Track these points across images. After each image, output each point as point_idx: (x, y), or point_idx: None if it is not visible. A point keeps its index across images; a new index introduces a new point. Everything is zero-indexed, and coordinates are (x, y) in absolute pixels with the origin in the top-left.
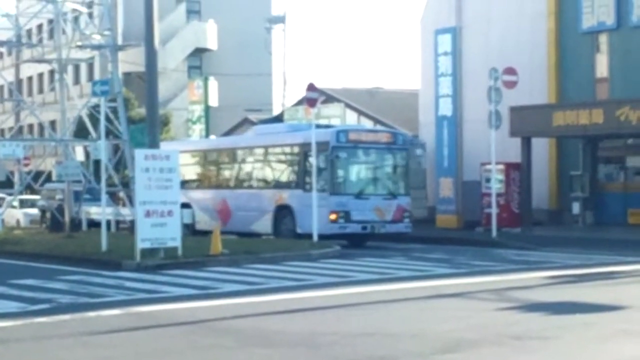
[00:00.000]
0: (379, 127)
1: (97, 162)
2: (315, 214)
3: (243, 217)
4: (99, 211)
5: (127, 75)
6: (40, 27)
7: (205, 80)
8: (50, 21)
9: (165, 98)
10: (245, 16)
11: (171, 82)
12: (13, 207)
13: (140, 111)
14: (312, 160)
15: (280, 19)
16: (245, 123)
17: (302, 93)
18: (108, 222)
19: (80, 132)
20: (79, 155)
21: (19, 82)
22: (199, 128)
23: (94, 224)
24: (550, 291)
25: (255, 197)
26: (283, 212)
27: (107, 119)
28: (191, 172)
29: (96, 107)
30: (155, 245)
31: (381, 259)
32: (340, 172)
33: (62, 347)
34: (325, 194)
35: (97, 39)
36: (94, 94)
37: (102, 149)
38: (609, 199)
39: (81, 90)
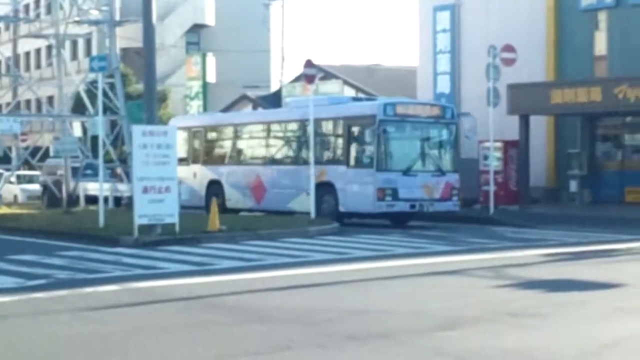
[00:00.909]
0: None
1: (94, 138)
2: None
3: (279, 195)
4: (97, 187)
5: (124, 50)
6: (37, 2)
7: (203, 56)
8: None
9: (163, 74)
10: None
11: (169, 58)
12: (10, 182)
13: (138, 87)
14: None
15: None
16: (243, 99)
17: (300, 69)
18: (106, 198)
19: (78, 108)
20: (77, 131)
21: (16, 57)
22: (196, 104)
23: (92, 200)
24: (547, 269)
25: (292, 173)
26: (324, 190)
27: (105, 94)
28: (221, 147)
29: (94, 82)
30: (152, 222)
31: (379, 236)
32: (387, 148)
33: (60, 322)
34: (371, 170)
35: (94, 14)
36: (92, 69)
37: (99, 125)
38: (606, 177)
39: (79, 66)
